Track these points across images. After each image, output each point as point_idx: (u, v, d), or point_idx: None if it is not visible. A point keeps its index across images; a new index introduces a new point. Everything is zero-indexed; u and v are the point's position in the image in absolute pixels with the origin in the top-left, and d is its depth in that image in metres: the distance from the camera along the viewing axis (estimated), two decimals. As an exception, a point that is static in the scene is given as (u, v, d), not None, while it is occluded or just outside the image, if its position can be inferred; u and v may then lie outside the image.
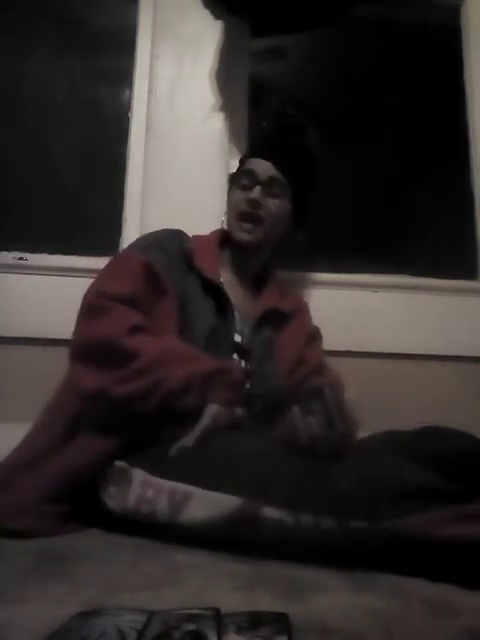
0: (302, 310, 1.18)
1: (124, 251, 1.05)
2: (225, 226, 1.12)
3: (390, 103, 1.64)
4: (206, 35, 1.50)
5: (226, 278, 1.07)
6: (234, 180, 1.08)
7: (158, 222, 1.37)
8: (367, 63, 1.66)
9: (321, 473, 0.70)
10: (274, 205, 1.03)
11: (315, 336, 1.16)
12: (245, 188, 1.04)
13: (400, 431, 0.85)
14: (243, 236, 1.04)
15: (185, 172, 1.43)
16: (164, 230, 1.07)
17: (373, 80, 1.65)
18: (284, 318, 1.10)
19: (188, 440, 0.80)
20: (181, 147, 1.44)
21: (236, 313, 1.02)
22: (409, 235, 1.57)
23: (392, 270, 1.48)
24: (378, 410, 1.31)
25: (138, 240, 1.06)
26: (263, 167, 1.04)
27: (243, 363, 1.01)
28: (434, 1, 1.68)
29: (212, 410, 0.83)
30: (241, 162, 1.11)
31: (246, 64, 1.52)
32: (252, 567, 0.63)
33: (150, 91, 1.46)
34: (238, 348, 1.01)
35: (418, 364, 1.40)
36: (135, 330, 0.86)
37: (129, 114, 1.47)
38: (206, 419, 0.82)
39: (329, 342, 1.21)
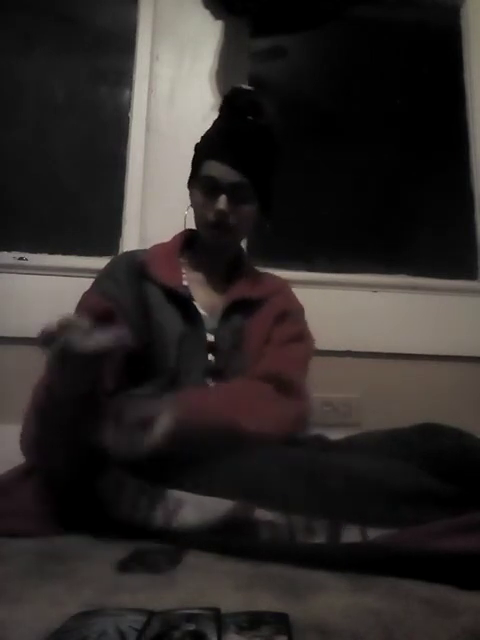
0: (277, 292, 1.11)
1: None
2: (188, 222, 1.07)
3: (390, 103, 1.64)
4: (206, 35, 1.50)
5: (194, 278, 1.05)
6: (194, 183, 1.03)
7: (158, 222, 1.37)
8: (367, 63, 1.66)
9: (312, 474, 0.70)
10: (242, 210, 0.99)
11: (287, 313, 1.07)
12: (208, 194, 0.99)
13: (396, 429, 0.85)
14: (214, 243, 1.03)
15: (185, 172, 1.42)
16: (118, 255, 1.09)
17: (373, 80, 1.65)
18: (255, 305, 1.05)
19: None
20: (181, 147, 1.43)
21: (204, 313, 1.00)
22: (409, 235, 1.57)
23: (392, 270, 1.48)
24: (378, 410, 1.31)
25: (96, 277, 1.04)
26: (223, 172, 0.97)
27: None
28: (434, 1, 1.68)
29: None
30: (197, 155, 1.05)
31: (246, 64, 1.52)
32: (252, 567, 0.63)
33: (150, 91, 1.46)
34: (213, 347, 0.98)
35: (417, 364, 1.41)
36: None
37: (129, 114, 1.47)
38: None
39: (329, 342, 1.21)
